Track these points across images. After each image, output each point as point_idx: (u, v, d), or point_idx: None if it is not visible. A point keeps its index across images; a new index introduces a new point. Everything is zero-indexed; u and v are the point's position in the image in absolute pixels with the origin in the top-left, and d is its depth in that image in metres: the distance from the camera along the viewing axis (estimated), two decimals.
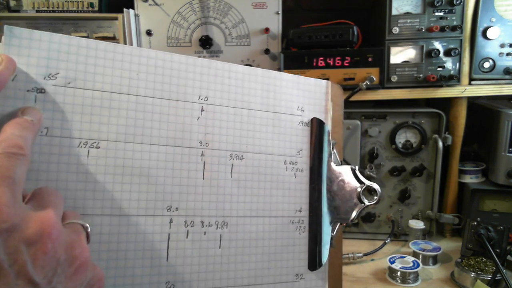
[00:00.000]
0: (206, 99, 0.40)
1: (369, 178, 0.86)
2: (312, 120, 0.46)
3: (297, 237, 0.45)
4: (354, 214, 0.46)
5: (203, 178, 0.40)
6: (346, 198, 0.46)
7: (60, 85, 0.34)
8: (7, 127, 0.30)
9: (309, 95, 0.47)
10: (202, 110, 0.40)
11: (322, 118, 0.47)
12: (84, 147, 0.35)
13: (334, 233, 0.47)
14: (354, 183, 0.46)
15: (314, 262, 0.46)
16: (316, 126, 0.46)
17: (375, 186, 0.46)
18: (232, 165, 0.42)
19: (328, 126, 0.47)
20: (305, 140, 0.46)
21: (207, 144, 0.40)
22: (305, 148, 0.46)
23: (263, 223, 0.43)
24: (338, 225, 0.47)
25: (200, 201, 0.40)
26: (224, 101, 0.41)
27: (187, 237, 0.39)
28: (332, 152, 0.47)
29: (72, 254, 0.27)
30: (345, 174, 0.47)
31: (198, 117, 0.40)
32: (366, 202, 0.46)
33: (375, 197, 0.46)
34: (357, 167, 0.47)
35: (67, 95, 0.35)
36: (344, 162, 0.85)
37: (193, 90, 0.40)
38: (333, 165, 0.47)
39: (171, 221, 0.39)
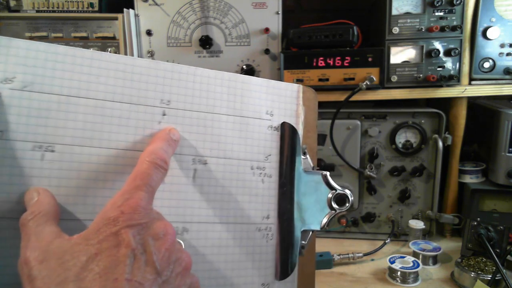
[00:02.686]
0: (168, 103, 0.40)
1: (369, 178, 0.87)
2: (282, 124, 0.45)
3: (264, 245, 0.44)
4: (324, 221, 0.45)
5: (164, 183, 0.38)
6: (317, 205, 0.45)
7: (16, 89, 0.34)
8: (157, 140, 0.37)
9: (279, 99, 0.45)
10: (164, 115, 0.40)
11: (292, 122, 0.46)
12: (38, 151, 0.35)
13: (306, 241, 0.45)
14: (325, 189, 0.45)
15: (282, 271, 0.44)
16: (286, 131, 0.45)
17: (347, 192, 0.45)
18: (195, 169, 0.41)
19: (299, 131, 0.46)
20: (274, 145, 0.45)
21: None
22: (274, 153, 0.45)
23: (227, 229, 0.42)
24: (310, 233, 0.45)
25: (159, 206, 0.38)
26: (187, 105, 0.41)
27: None
28: (303, 157, 0.46)
29: (180, 257, 0.33)
30: (316, 180, 0.45)
31: (160, 121, 0.39)
32: (337, 209, 0.45)
33: (347, 204, 0.45)
34: (328, 173, 0.45)
35: (23, 99, 0.34)
36: (347, 164, 0.85)
37: (155, 94, 0.39)
38: (303, 170, 0.46)
39: None
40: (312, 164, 0.47)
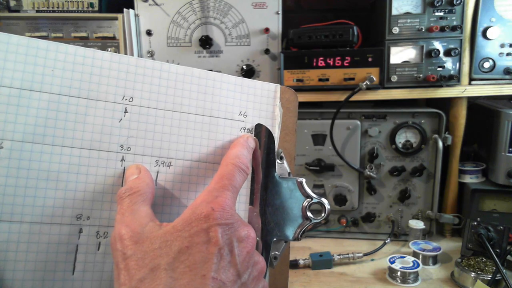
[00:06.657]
0: (131, 100, 0.37)
1: (369, 178, 0.87)
2: (256, 126, 0.42)
3: None
4: (298, 231, 0.41)
5: (123, 185, 0.36)
6: (290, 214, 0.41)
7: None
8: (238, 146, 0.38)
9: (254, 99, 0.42)
10: (125, 112, 0.37)
11: (268, 125, 0.43)
12: None
13: (279, 252, 0.42)
14: (300, 197, 0.42)
15: None
16: (260, 134, 0.42)
17: (324, 201, 0.41)
18: (158, 172, 0.38)
19: (276, 134, 0.43)
20: None
21: (129, 149, 0.37)
22: None
23: None
24: (283, 244, 0.42)
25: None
26: (152, 102, 0.38)
27: (98, 249, 0.36)
28: (279, 162, 0.43)
29: (257, 260, 0.34)
30: (291, 187, 0.42)
31: (121, 119, 0.37)
32: (313, 219, 0.41)
33: (323, 214, 0.41)
34: (304, 180, 0.42)
35: None
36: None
37: (116, 89, 0.37)
38: (277, 176, 0.42)
39: (80, 231, 0.35)
40: (289, 170, 0.44)
